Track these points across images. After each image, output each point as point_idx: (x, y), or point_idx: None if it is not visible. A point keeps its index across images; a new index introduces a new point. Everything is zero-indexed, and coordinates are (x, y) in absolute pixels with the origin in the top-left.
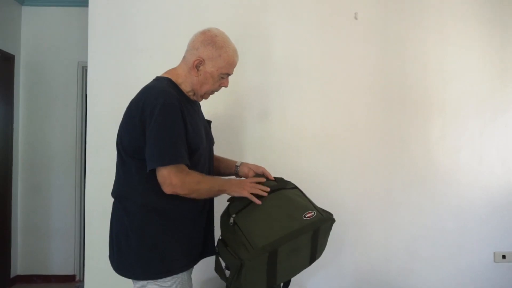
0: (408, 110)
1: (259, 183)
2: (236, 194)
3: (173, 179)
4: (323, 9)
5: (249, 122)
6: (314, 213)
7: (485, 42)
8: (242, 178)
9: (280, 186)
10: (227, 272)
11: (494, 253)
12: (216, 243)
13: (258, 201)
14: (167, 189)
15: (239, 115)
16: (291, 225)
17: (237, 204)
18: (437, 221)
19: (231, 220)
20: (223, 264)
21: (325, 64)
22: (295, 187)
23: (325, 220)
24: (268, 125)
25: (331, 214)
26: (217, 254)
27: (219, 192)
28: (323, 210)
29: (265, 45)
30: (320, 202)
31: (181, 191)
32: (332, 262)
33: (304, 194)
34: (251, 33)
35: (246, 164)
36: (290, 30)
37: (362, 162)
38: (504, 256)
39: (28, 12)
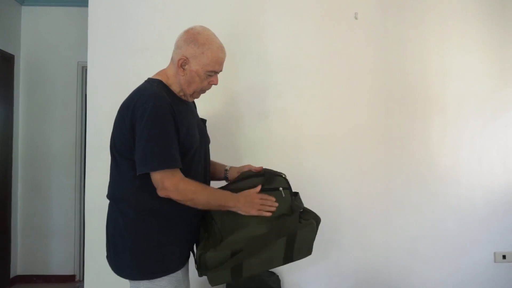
0: (408, 110)
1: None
2: (243, 213)
3: (165, 182)
4: (323, 9)
5: (249, 122)
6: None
7: (485, 42)
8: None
9: (264, 187)
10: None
11: (495, 253)
12: None
13: (268, 214)
14: (161, 193)
15: (238, 115)
16: (259, 229)
17: None
18: (437, 221)
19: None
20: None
21: (325, 64)
22: (277, 188)
23: (302, 227)
24: (268, 125)
25: (316, 218)
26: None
27: (221, 208)
28: (308, 213)
29: (265, 45)
30: (320, 202)
31: (174, 196)
32: (332, 262)
33: (291, 193)
34: (251, 32)
35: (234, 168)
36: (289, 30)
37: (362, 162)
38: (504, 256)
39: (28, 12)
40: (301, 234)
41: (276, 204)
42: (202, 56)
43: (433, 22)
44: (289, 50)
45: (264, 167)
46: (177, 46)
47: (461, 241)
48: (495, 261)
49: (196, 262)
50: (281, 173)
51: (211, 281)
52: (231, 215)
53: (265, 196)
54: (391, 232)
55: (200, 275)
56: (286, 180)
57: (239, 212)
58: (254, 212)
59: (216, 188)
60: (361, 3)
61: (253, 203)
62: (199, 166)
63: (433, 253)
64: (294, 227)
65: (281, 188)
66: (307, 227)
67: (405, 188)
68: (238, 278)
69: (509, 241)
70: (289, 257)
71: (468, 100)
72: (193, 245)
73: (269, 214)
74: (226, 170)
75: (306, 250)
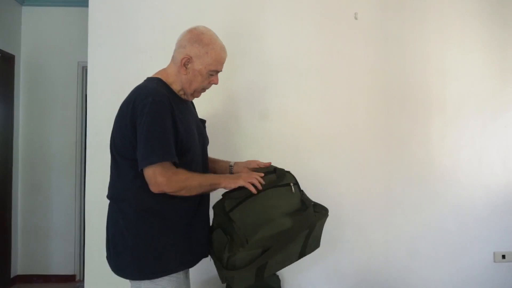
0: (408, 110)
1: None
2: (232, 186)
3: (158, 178)
4: (323, 9)
5: (249, 121)
6: (308, 211)
7: (485, 42)
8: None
9: (276, 183)
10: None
11: (494, 253)
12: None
13: (253, 190)
14: (154, 188)
15: (239, 114)
16: (285, 223)
17: (232, 200)
18: (437, 221)
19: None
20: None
21: (325, 64)
22: (289, 184)
23: (319, 219)
24: (268, 125)
25: (326, 210)
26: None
27: (212, 187)
28: (317, 206)
29: (265, 44)
30: (320, 202)
31: (167, 189)
32: (332, 262)
33: (299, 189)
34: (251, 32)
35: (240, 163)
36: (289, 30)
37: (362, 162)
38: (504, 256)
39: (28, 12)
40: (318, 226)
41: (262, 181)
42: (206, 55)
43: (433, 22)
44: (289, 50)
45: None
46: (180, 45)
47: (461, 241)
48: (494, 261)
49: (222, 266)
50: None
51: (236, 286)
52: (251, 213)
53: (254, 173)
54: (391, 232)
55: (224, 280)
56: (293, 176)
57: (228, 187)
58: (241, 182)
59: (205, 173)
60: (361, 3)
61: (240, 175)
62: (198, 167)
63: (433, 253)
64: (313, 219)
65: (291, 184)
66: (322, 218)
67: (405, 188)
68: (260, 279)
69: (509, 241)
70: (303, 252)
71: (468, 100)
72: (195, 246)
73: (254, 190)
74: (231, 166)
75: (315, 243)
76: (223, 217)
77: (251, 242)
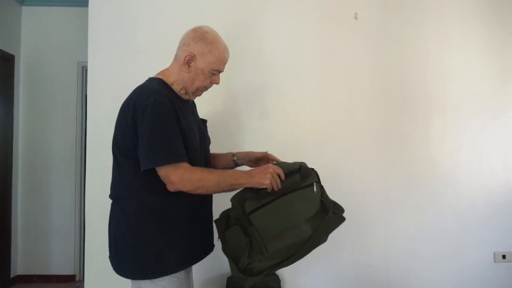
0: (408, 110)
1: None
2: (259, 186)
3: (170, 176)
4: (323, 9)
5: (249, 121)
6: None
7: (485, 42)
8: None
9: (299, 185)
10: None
11: (494, 253)
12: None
13: (269, 190)
14: (170, 187)
15: (239, 114)
16: (306, 232)
17: (253, 202)
18: (437, 221)
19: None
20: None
21: (325, 64)
22: (312, 184)
23: (336, 225)
24: (268, 124)
25: (342, 211)
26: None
27: (234, 187)
28: (336, 206)
29: (265, 44)
30: None
31: (182, 188)
32: (332, 261)
33: (321, 186)
34: (251, 32)
35: (240, 153)
36: (290, 30)
37: (362, 161)
38: (504, 256)
39: (28, 12)
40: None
41: (279, 186)
42: (209, 54)
43: (433, 22)
44: (289, 50)
45: (271, 154)
46: (184, 44)
47: (461, 241)
48: (495, 261)
49: (238, 269)
50: (301, 163)
51: (247, 285)
52: (273, 220)
53: (279, 170)
54: (391, 232)
55: (236, 278)
56: (317, 173)
57: (255, 186)
58: (267, 182)
59: (224, 170)
60: (361, 3)
61: (266, 173)
62: (200, 166)
63: (433, 253)
64: (333, 225)
65: (314, 183)
66: (339, 224)
67: (405, 188)
68: (268, 275)
69: (509, 241)
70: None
71: (468, 100)
72: (196, 246)
73: (270, 189)
74: (234, 155)
75: (324, 240)
76: (242, 214)
77: (271, 252)
